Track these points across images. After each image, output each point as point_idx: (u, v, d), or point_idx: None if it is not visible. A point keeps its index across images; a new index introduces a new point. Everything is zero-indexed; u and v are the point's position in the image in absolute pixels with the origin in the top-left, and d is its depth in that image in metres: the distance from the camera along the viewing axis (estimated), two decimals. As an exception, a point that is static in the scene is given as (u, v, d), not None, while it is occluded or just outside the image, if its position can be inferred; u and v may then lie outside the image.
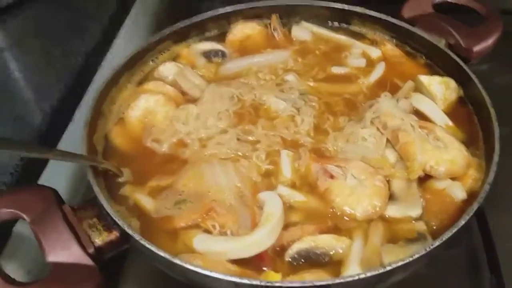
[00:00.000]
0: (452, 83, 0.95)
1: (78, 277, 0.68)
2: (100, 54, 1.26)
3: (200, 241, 0.75)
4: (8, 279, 0.67)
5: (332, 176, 0.82)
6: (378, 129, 0.89)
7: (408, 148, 0.84)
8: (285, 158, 0.87)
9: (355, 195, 0.80)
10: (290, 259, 0.74)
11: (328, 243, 0.75)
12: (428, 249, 0.68)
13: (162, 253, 0.69)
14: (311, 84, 1.01)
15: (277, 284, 0.66)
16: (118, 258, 0.84)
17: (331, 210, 0.80)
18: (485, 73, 0.95)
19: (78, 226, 0.73)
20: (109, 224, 0.75)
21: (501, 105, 0.87)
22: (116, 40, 1.31)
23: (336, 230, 0.78)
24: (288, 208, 0.81)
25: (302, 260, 0.74)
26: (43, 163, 1.01)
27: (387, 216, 0.79)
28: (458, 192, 0.80)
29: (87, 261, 0.69)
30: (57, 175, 0.99)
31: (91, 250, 0.71)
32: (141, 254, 0.76)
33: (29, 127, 1.09)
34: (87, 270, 0.69)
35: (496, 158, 0.79)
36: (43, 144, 1.05)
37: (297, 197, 0.82)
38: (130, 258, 0.89)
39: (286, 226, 0.78)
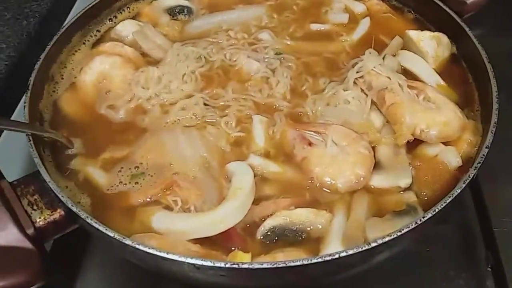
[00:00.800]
0: (444, 38, 0.86)
1: (14, 262, 0.58)
2: (58, 18, 1.14)
3: (159, 219, 0.66)
4: None
5: (310, 144, 0.73)
6: (362, 90, 0.79)
7: (395, 109, 0.74)
8: (258, 124, 0.77)
9: (336, 163, 0.70)
10: (262, 237, 0.65)
11: (305, 218, 0.66)
12: (418, 223, 0.59)
13: (111, 233, 0.59)
14: (288, 42, 0.91)
15: (244, 266, 0.56)
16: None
17: (310, 181, 0.71)
18: (480, 38, 0.85)
19: (15, 204, 0.63)
20: (52, 201, 0.65)
21: (497, 72, 0.77)
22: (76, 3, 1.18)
23: (315, 203, 0.69)
24: (261, 180, 0.72)
25: (276, 238, 0.65)
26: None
27: (372, 186, 0.70)
28: (452, 158, 0.71)
29: (26, 244, 0.60)
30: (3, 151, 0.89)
31: (30, 231, 0.61)
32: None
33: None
34: (25, 254, 0.59)
35: (494, 118, 0.70)
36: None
37: (271, 168, 0.73)
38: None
39: (258, 201, 0.69)
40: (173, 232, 0.64)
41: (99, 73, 0.83)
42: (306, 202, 0.69)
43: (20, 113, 0.95)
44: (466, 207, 0.86)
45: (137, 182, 0.71)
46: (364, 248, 0.57)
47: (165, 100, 0.81)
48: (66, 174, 0.73)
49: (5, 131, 0.92)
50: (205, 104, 0.81)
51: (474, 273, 0.81)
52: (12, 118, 0.94)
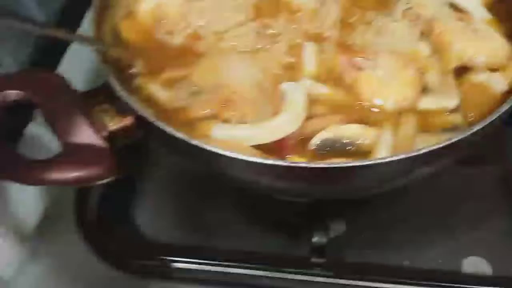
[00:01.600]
0: (493, -27, 0.87)
1: (91, 157, 0.64)
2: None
3: (219, 129, 0.70)
4: (19, 156, 0.64)
5: (360, 68, 0.76)
6: (410, 21, 0.81)
7: (444, 37, 0.77)
8: (309, 50, 0.81)
9: (385, 85, 0.74)
10: (314, 147, 0.70)
11: (355, 131, 0.70)
12: (468, 133, 0.62)
13: (180, 135, 0.64)
14: (335, -24, 0.93)
15: (302, 165, 0.61)
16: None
17: (359, 103, 0.75)
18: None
19: (90, 110, 0.68)
20: (122, 109, 0.70)
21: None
22: None
23: (364, 122, 0.73)
24: (312, 101, 0.75)
25: (327, 149, 0.70)
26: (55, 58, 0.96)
27: (419, 109, 0.74)
28: (499, 83, 0.73)
29: (101, 143, 0.65)
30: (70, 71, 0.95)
31: (104, 133, 0.67)
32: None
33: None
34: (100, 152, 0.65)
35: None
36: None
37: (322, 89, 0.76)
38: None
39: (309, 118, 0.73)
40: (233, 139, 0.69)
41: (156, 3, 0.87)
42: (356, 120, 0.73)
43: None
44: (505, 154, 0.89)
45: (195, 99, 0.76)
46: (413, 154, 0.61)
47: (219, 27, 0.85)
48: (130, 90, 0.78)
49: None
50: (256, 32, 0.84)
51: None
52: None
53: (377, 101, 0.74)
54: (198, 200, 0.89)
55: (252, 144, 0.68)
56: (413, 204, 0.89)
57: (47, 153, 0.90)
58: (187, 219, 0.89)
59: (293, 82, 0.76)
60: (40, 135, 0.92)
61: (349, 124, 0.71)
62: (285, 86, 0.75)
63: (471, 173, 0.91)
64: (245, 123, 0.72)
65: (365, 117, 0.73)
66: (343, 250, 0.84)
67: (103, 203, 0.89)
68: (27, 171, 0.62)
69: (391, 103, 0.73)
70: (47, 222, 0.90)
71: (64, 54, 1.04)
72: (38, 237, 0.88)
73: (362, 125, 0.71)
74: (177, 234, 0.87)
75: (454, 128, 0.70)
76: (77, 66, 0.98)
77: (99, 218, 0.88)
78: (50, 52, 1.01)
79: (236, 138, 0.69)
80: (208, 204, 0.89)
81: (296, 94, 0.72)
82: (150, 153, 0.92)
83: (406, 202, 0.89)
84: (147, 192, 0.92)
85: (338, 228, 0.85)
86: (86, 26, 1.00)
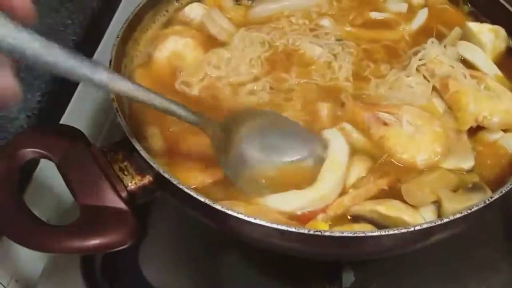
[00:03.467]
0: (502, 31, 0.89)
1: (112, 221, 0.63)
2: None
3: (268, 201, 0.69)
4: (39, 222, 0.62)
5: (385, 123, 0.76)
6: (424, 77, 0.83)
7: (459, 97, 0.78)
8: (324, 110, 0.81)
9: (414, 142, 0.74)
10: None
11: (395, 214, 0.67)
12: (491, 199, 0.63)
13: (202, 198, 0.63)
14: (348, 29, 0.94)
15: (326, 234, 0.61)
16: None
17: (389, 159, 0.74)
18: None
19: (109, 169, 0.67)
20: (141, 167, 0.69)
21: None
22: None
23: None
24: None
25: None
26: (61, 108, 0.95)
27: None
28: (512, 143, 0.75)
29: (121, 204, 0.64)
30: (76, 121, 0.94)
31: (124, 194, 0.66)
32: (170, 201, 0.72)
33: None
34: (120, 214, 0.64)
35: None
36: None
37: (359, 137, 0.76)
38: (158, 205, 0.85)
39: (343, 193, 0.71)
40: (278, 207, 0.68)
41: (173, 51, 0.87)
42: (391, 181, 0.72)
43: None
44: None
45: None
46: (443, 221, 0.61)
47: (234, 80, 0.85)
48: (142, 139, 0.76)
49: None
50: (270, 88, 0.85)
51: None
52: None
53: (408, 158, 0.74)
54: (208, 252, 0.87)
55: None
56: (420, 253, 0.89)
57: (56, 199, 0.89)
58: (196, 272, 0.87)
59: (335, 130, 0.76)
60: (49, 178, 0.90)
61: (392, 202, 0.68)
62: (326, 132, 0.75)
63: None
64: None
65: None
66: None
67: (109, 255, 0.87)
68: (45, 238, 0.60)
69: (422, 159, 0.73)
70: (53, 273, 0.87)
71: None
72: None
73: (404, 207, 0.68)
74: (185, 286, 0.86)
75: (475, 187, 0.70)
76: (86, 105, 0.97)
77: (105, 269, 0.86)
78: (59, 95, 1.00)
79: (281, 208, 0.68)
80: (218, 257, 0.87)
81: (337, 140, 0.73)
82: (159, 204, 0.91)
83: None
84: (154, 242, 0.90)
85: (347, 278, 0.84)
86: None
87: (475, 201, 0.64)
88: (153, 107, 0.61)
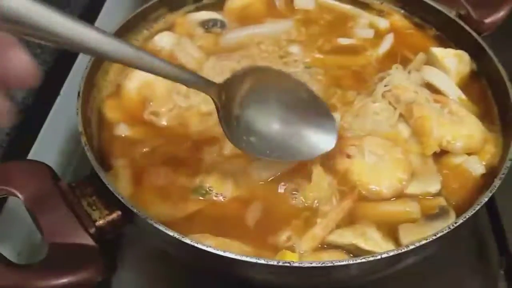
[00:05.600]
0: (465, 56, 0.92)
1: (80, 258, 0.62)
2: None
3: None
4: (5, 261, 0.61)
5: (349, 156, 0.78)
6: (390, 103, 0.85)
7: (423, 122, 0.80)
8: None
9: (377, 171, 0.75)
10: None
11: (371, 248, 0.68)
12: (451, 227, 0.65)
13: (171, 233, 0.63)
14: (317, 56, 0.96)
15: (295, 265, 0.61)
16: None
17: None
18: (495, 48, 0.91)
19: (77, 205, 0.67)
20: (109, 202, 0.69)
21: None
22: (103, 9, 1.23)
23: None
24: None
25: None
26: (30, 140, 0.94)
27: (406, 193, 0.76)
28: (476, 166, 0.77)
29: (89, 241, 0.64)
30: (45, 153, 0.93)
31: (92, 230, 0.66)
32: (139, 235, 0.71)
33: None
34: (88, 251, 0.63)
35: (515, 132, 0.76)
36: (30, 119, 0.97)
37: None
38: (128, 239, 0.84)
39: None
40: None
41: (143, 81, 0.87)
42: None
43: (56, 116, 1.01)
44: (478, 213, 0.92)
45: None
46: (401, 251, 0.63)
47: (204, 109, 0.86)
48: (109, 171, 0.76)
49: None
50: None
51: (487, 276, 0.87)
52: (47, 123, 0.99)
53: (373, 187, 0.75)
54: (182, 284, 0.86)
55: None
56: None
57: (27, 232, 0.88)
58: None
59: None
60: (19, 212, 0.89)
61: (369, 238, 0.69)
62: None
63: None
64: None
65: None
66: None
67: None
68: (12, 278, 0.59)
69: (387, 187, 0.75)
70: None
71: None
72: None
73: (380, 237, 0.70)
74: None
75: (438, 214, 0.72)
76: (56, 137, 0.96)
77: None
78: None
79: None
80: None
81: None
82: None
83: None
84: (127, 274, 0.88)
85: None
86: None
87: (437, 229, 0.65)
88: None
